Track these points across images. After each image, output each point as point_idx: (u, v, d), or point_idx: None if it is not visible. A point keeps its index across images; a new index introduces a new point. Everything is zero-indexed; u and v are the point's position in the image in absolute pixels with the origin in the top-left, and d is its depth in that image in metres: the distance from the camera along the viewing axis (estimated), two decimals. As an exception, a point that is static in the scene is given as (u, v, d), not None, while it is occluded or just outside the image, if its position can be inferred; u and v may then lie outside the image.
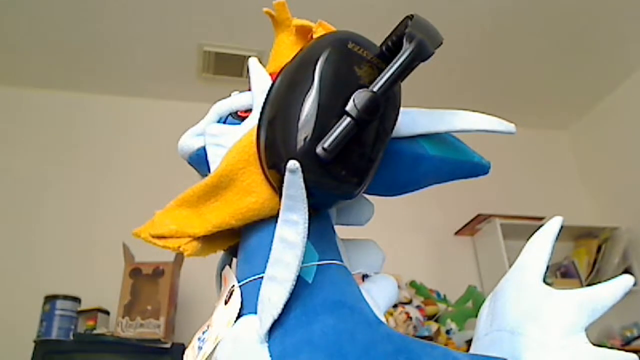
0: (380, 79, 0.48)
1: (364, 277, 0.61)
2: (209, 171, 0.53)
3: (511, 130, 0.55)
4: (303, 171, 0.44)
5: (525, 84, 2.87)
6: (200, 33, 2.40)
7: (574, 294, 0.46)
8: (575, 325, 0.45)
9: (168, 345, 1.90)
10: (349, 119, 0.46)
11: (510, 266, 0.53)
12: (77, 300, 2.03)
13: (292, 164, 0.43)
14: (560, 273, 2.78)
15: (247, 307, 0.48)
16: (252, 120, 0.52)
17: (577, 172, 3.19)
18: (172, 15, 2.28)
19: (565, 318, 0.45)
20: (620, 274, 0.47)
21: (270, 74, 0.55)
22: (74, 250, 2.34)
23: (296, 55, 0.51)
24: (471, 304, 2.38)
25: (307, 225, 0.44)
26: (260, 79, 0.54)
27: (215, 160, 0.53)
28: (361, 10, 2.26)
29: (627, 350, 0.46)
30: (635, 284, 0.46)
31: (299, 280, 0.45)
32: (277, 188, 0.47)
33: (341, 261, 0.53)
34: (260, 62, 0.58)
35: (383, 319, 0.50)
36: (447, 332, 2.26)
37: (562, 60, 2.70)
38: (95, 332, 1.93)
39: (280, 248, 0.45)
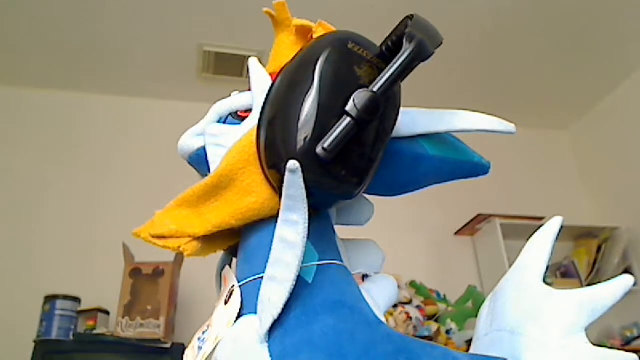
0: (380, 79, 0.48)
1: (364, 277, 0.61)
2: (209, 171, 0.53)
3: (511, 130, 0.55)
4: (303, 171, 0.44)
5: (525, 84, 2.87)
6: (200, 33, 2.40)
7: (574, 294, 0.46)
8: (575, 325, 0.45)
9: (168, 345, 1.90)
10: (349, 119, 0.46)
11: (510, 266, 0.53)
12: (77, 300, 2.03)
13: (292, 164, 0.43)
14: (560, 273, 2.78)
15: (247, 307, 0.48)
16: (252, 120, 0.52)
17: (577, 172, 3.19)
18: (172, 15, 2.28)
19: (565, 318, 0.45)
20: (620, 274, 0.47)
21: (270, 74, 0.55)
22: (74, 250, 2.34)
23: (296, 55, 0.51)
24: (471, 304, 2.38)
25: (307, 225, 0.44)
26: (260, 79, 0.54)
27: (215, 160, 0.53)
28: (361, 10, 2.26)
29: (627, 350, 0.46)
30: (635, 284, 0.46)
31: (299, 280, 0.45)
32: (277, 188, 0.47)
33: (341, 261, 0.53)
34: (260, 62, 0.58)
35: (383, 319, 0.50)
36: (447, 332, 2.26)
37: (562, 60, 2.70)
38: (95, 332, 1.93)
39: (280, 248, 0.45)
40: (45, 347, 1.88)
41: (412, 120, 0.55)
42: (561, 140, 3.29)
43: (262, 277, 0.47)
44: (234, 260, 0.56)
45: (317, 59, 0.48)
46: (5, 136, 2.54)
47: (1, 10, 2.21)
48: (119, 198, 2.49)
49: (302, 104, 0.47)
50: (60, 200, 2.46)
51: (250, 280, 0.50)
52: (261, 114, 0.49)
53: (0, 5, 2.18)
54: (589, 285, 1.06)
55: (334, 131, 0.46)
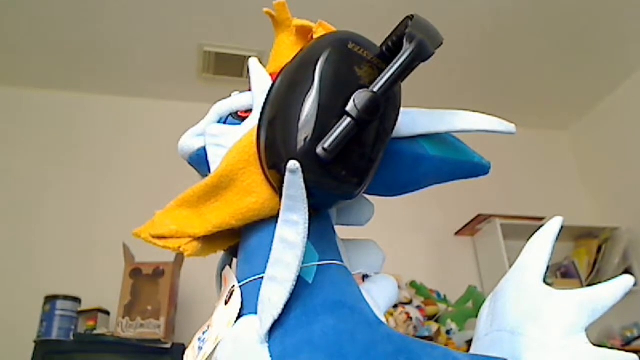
0: (380, 79, 0.48)
1: (364, 277, 0.61)
2: (209, 171, 0.53)
3: (511, 130, 0.55)
4: (303, 171, 0.44)
5: (525, 84, 2.87)
6: (200, 33, 2.40)
7: (574, 294, 0.46)
8: (575, 325, 0.45)
9: (168, 345, 1.90)
10: (349, 119, 0.46)
11: (510, 266, 0.53)
12: (77, 300, 2.03)
13: (292, 164, 0.43)
14: (560, 273, 2.78)
15: (247, 307, 0.48)
16: (252, 120, 0.52)
17: (577, 172, 3.19)
18: (172, 15, 2.28)
19: (565, 318, 0.45)
20: (620, 274, 0.47)
21: (270, 74, 0.55)
22: (74, 250, 2.34)
23: (296, 55, 0.51)
24: (471, 304, 2.38)
25: (307, 225, 0.44)
26: (260, 79, 0.54)
27: (215, 160, 0.53)
28: (361, 10, 2.26)
29: (627, 350, 0.46)
30: (635, 284, 0.46)
31: (299, 280, 0.45)
32: (277, 188, 0.47)
33: (341, 261, 0.53)
34: (260, 62, 0.58)
35: (383, 319, 0.50)
36: (447, 332, 2.26)
37: (562, 60, 2.70)
38: (95, 332, 1.93)
39: (280, 248, 0.45)
40: (45, 347, 1.88)
41: (412, 120, 0.55)
42: (561, 140, 3.29)
43: (262, 277, 0.47)
44: (234, 260, 0.56)
45: (317, 59, 0.48)
46: (5, 136, 2.54)
47: (1, 10, 2.21)
48: (119, 198, 2.49)
49: (302, 104, 0.47)
50: (60, 200, 2.46)
51: (250, 280, 0.50)
52: (261, 114, 0.49)
53: (0, 5, 2.18)
54: (589, 285, 1.06)
55: (334, 131, 0.46)
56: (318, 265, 0.49)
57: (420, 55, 0.48)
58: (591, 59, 2.69)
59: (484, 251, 2.75)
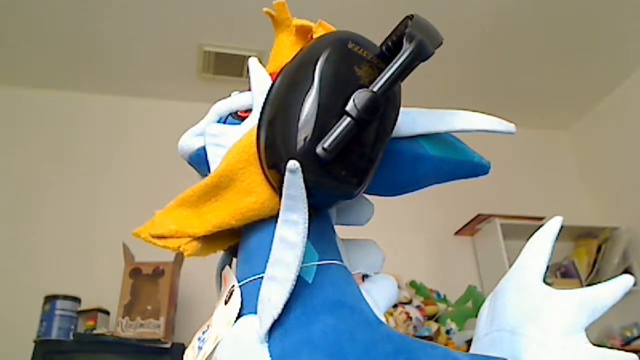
0: (380, 79, 0.48)
1: (364, 277, 0.61)
2: (209, 171, 0.53)
3: (511, 130, 0.55)
4: (303, 171, 0.44)
5: (525, 84, 2.87)
6: (200, 33, 2.40)
7: (574, 294, 0.46)
8: (575, 325, 0.45)
9: (168, 345, 1.90)
10: (349, 119, 0.46)
11: (510, 266, 0.53)
12: (77, 300, 2.03)
13: (292, 164, 0.43)
14: (560, 273, 2.78)
15: (247, 307, 0.48)
16: (252, 120, 0.52)
17: (577, 172, 3.19)
18: (172, 15, 2.28)
19: (565, 318, 0.45)
20: (620, 274, 0.47)
21: (270, 74, 0.55)
22: (74, 250, 2.34)
23: (296, 55, 0.51)
24: (471, 304, 2.38)
25: (307, 225, 0.44)
26: (260, 79, 0.54)
27: (215, 160, 0.53)
28: (361, 10, 2.26)
29: (627, 350, 0.46)
30: (635, 284, 0.46)
31: (299, 280, 0.45)
32: (277, 188, 0.47)
33: (341, 261, 0.53)
34: (260, 62, 0.58)
35: (383, 319, 0.50)
36: (447, 332, 2.26)
37: (562, 60, 2.70)
38: (95, 332, 1.93)
39: (280, 248, 0.45)
40: (45, 347, 1.88)
41: (412, 120, 0.55)
42: (561, 140, 3.29)
43: (262, 277, 0.47)
44: (234, 260, 0.56)
45: (317, 59, 0.48)
46: (5, 136, 2.54)
47: (1, 10, 2.21)
48: (119, 198, 2.49)
49: (302, 104, 0.47)
50: (60, 200, 2.45)
51: (250, 280, 0.50)
52: (261, 114, 0.49)
53: (0, 5, 2.18)
54: (589, 285, 1.06)
55: (334, 131, 0.46)
56: (318, 265, 0.49)
57: (420, 55, 0.48)
58: (591, 59, 2.70)
59: (484, 251, 2.75)
